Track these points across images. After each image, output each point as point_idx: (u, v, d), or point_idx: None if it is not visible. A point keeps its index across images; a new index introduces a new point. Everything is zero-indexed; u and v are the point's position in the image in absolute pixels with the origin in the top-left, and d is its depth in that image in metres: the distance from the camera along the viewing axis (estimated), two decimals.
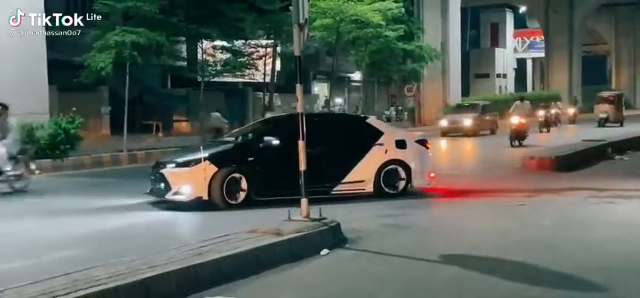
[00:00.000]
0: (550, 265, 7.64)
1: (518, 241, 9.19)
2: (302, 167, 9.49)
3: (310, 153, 11.84)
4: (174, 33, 29.36)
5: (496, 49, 72.23)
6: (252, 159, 12.31)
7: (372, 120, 14.43)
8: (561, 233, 9.62)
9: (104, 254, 7.74)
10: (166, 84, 39.68)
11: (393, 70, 39.93)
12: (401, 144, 13.33)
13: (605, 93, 43.18)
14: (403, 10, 35.99)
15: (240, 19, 30.88)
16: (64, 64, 27.01)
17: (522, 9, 70.78)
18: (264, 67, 34.36)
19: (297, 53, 9.64)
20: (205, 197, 11.89)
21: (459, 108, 37.97)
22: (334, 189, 12.70)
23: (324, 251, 8.47)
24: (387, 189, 13.00)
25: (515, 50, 76.95)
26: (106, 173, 20.03)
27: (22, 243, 9.55)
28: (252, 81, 36.53)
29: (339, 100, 52.32)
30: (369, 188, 12.92)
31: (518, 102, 26.88)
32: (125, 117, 25.14)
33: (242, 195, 12.08)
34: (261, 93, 38.35)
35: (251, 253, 7.82)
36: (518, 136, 24.91)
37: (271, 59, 34.93)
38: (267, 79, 35.14)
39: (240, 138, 13.56)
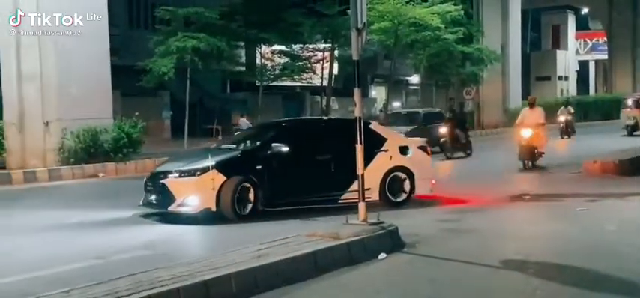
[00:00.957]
0: (614, 271, 7.48)
1: (580, 246, 9.02)
2: (360, 171, 9.49)
3: (317, 160, 12.06)
4: (234, 38, 29.83)
5: (557, 51, 70.82)
6: (260, 167, 11.55)
7: (374, 125, 13.72)
8: (626, 239, 9.38)
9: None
10: (226, 89, 40.20)
11: (452, 73, 39.55)
12: (404, 151, 12.93)
13: (634, 96, 38.32)
14: (462, 12, 35.65)
15: (299, 23, 31.09)
16: (126, 69, 27.57)
17: (584, 10, 69.35)
18: (322, 71, 34.47)
19: (355, 57, 9.67)
20: (214, 208, 11.15)
21: (395, 117, 28.30)
22: (341, 197, 12.01)
23: (382, 255, 8.46)
24: (391, 197, 12.53)
25: (577, 52, 75.36)
26: None
27: (79, 246, 9.86)
28: (309, 85, 36.69)
29: (396, 104, 52.16)
30: (375, 196, 12.23)
31: (526, 108, 19.75)
32: (186, 121, 25.56)
33: (250, 206, 11.37)
34: (318, 97, 38.49)
35: (310, 256, 7.86)
36: (530, 155, 18.64)
37: (329, 63, 35.01)
38: (325, 83, 35.23)
39: (245, 145, 12.78)
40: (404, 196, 12.65)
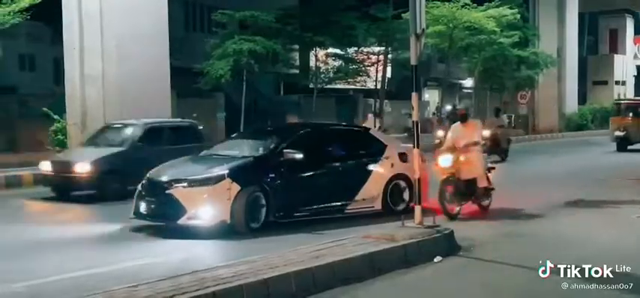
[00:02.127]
0: None
1: (637, 253, 8.96)
2: (416, 175, 9.59)
3: (327, 168, 11.55)
4: (289, 41, 30.13)
5: (615, 55, 69.49)
6: (272, 175, 10.76)
7: (373, 131, 13.17)
8: None
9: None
10: (279, 91, 40.50)
11: (507, 77, 39.16)
12: (404, 157, 12.13)
13: (627, 101, 32.51)
14: (518, 16, 35.31)
15: (353, 26, 31.19)
16: (183, 71, 28.05)
17: None
18: (376, 74, 34.52)
19: (413, 62, 9.77)
20: (229, 220, 10.17)
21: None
22: (347, 208, 11.53)
23: (438, 258, 8.56)
24: (392, 206, 11.81)
25: (635, 56, 73.84)
26: None
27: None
28: (362, 88, 36.77)
29: (449, 107, 51.86)
30: (378, 205, 11.77)
31: (457, 124, 12.56)
32: (241, 122, 25.87)
33: (263, 218, 10.52)
34: (371, 100, 38.55)
35: (366, 258, 8.01)
36: (464, 194, 11.89)
37: (382, 66, 35.04)
38: (378, 86, 35.28)
39: (242, 150, 11.56)
40: (403, 205, 11.83)
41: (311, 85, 31.74)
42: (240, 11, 26.75)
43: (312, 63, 32.60)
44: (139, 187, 10.99)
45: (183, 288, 6.46)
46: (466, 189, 11.78)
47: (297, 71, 35.06)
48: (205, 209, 10.15)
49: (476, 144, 11.98)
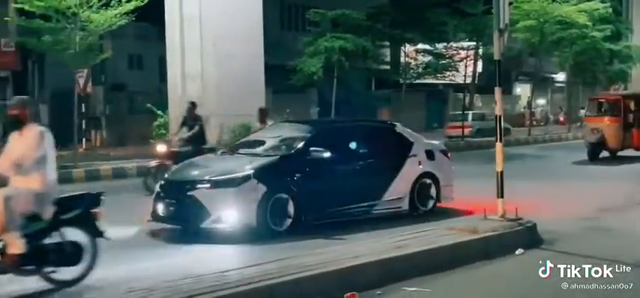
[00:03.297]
0: None
1: None
2: (499, 168, 9.44)
3: (354, 167, 10.55)
4: (379, 38, 30.13)
5: None
6: (299, 175, 9.86)
7: (399, 127, 11.93)
8: None
9: None
10: (370, 86, 40.50)
11: (599, 71, 37.89)
12: (431, 155, 11.41)
13: (604, 95, 25.74)
14: (611, 9, 34.09)
15: (443, 22, 30.89)
16: (278, 68, 28.45)
17: None
18: (465, 69, 34.02)
19: (496, 57, 9.65)
20: (255, 224, 9.30)
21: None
22: (375, 208, 10.65)
23: (519, 251, 8.43)
24: (420, 206, 11.07)
25: None
26: None
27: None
28: (452, 82, 36.34)
29: (541, 101, 50.60)
30: (405, 205, 10.90)
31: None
32: (331, 116, 26.06)
33: (288, 221, 9.62)
34: (461, 94, 38.04)
35: (447, 249, 7.98)
36: None
37: (472, 61, 34.52)
38: (468, 81, 34.77)
39: (265, 148, 10.79)
40: (431, 204, 11.20)
41: (401, 80, 31.58)
42: (333, 10, 26.92)
43: (402, 59, 32.45)
44: (157, 188, 10.14)
45: (269, 274, 6.59)
46: None
47: (387, 67, 35.00)
48: (230, 212, 9.26)
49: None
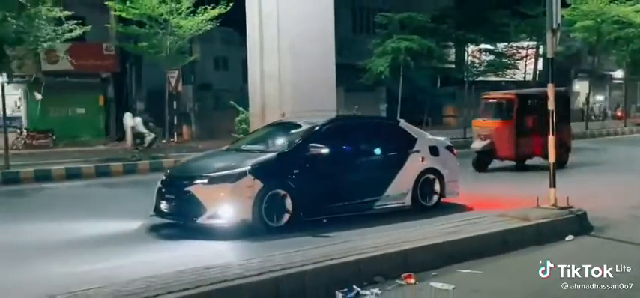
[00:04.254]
0: None
1: None
2: (551, 159, 9.21)
3: (354, 163, 9.82)
4: (444, 39, 29.78)
5: None
6: (297, 171, 9.15)
7: (403, 123, 11.04)
8: None
9: None
10: (435, 84, 40.07)
11: None
12: (434, 151, 10.62)
13: (498, 94, 18.08)
14: None
15: (505, 24, 30.32)
16: (349, 68, 28.48)
17: None
18: (525, 67, 33.27)
19: (549, 55, 9.48)
20: (251, 219, 8.69)
21: None
22: (376, 204, 9.90)
23: (569, 237, 8.23)
24: (422, 201, 10.32)
25: None
26: None
27: None
28: (513, 79, 35.60)
29: (599, 97, 49.00)
30: (408, 201, 10.16)
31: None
32: (398, 112, 25.93)
33: (286, 217, 8.96)
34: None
35: (499, 235, 7.86)
36: None
37: (532, 59, 33.71)
38: (528, 78, 33.98)
39: (268, 145, 10.24)
40: (435, 200, 10.47)
41: (464, 78, 31.12)
42: (400, 13, 26.77)
43: (465, 58, 31.97)
44: (160, 183, 9.51)
45: (315, 259, 6.54)
46: None
47: (452, 66, 34.52)
48: (225, 207, 8.64)
49: None
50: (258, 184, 8.72)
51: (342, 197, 9.43)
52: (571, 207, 8.92)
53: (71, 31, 17.99)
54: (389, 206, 10.01)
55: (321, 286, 6.08)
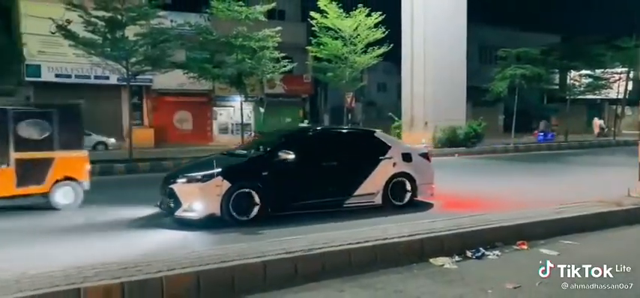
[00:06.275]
0: None
1: None
2: None
3: (324, 167, 8.36)
4: (551, 67, 27.67)
5: None
6: (266, 173, 7.90)
7: (379, 133, 9.37)
8: None
9: None
10: (542, 101, 37.37)
11: None
12: (407, 157, 9.00)
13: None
14: None
15: (602, 54, 27.57)
16: (476, 89, 27.44)
17: None
18: (618, 87, 29.93)
19: None
20: (218, 214, 7.57)
21: None
22: (346, 202, 8.45)
23: None
24: (394, 201, 8.74)
25: None
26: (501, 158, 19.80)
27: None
28: (607, 97, 32.22)
29: None
30: (378, 200, 8.65)
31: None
32: (513, 123, 24.62)
33: (255, 211, 7.74)
34: (614, 106, 33.52)
35: (596, 216, 7.30)
36: None
37: (625, 82, 30.25)
38: (620, 96, 30.56)
39: (255, 151, 8.76)
40: (406, 199, 8.85)
41: (566, 97, 28.68)
42: (516, 48, 25.36)
43: (568, 81, 29.44)
44: (162, 181, 8.40)
45: (332, 241, 5.58)
46: None
47: (556, 87, 31.95)
48: (197, 203, 7.61)
49: None
50: (227, 184, 7.60)
51: (309, 196, 8.17)
52: None
53: (284, 66, 19.13)
54: (358, 204, 8.52)
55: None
